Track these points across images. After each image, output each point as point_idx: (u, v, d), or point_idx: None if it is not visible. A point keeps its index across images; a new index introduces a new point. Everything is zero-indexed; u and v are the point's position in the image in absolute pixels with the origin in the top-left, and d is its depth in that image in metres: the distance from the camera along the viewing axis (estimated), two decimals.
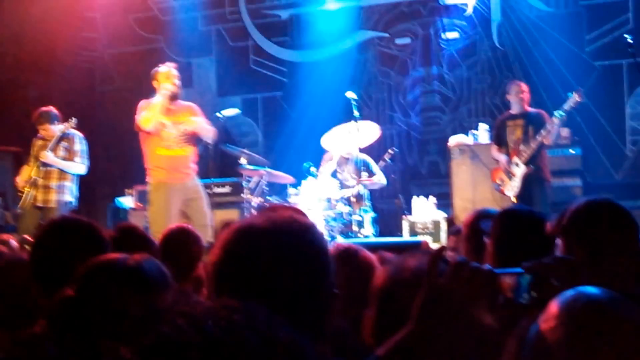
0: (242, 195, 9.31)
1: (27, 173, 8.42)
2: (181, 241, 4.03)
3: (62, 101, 11.45)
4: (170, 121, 7.69)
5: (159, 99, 7.68)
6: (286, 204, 8.54)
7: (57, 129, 8.36)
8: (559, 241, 3.52)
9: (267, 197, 9.15)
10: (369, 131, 9.09)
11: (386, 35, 11.48)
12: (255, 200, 9.01)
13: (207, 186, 9.60)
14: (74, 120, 8.37)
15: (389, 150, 9.77)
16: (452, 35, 11.14)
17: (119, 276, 2.10)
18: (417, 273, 2.01)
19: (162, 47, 12.49)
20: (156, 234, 7.04)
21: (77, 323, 2.12)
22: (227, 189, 9.88)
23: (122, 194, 10.49)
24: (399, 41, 11.43)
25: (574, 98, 7.89)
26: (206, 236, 7.11)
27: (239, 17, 12.20)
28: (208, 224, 7.55)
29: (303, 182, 8.90)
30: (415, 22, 11.34)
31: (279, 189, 9.89)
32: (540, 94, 10.19)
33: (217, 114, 8.94)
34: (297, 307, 1.57)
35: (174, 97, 7.79)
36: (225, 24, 12.30)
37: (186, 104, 8.04)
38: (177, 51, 12.40)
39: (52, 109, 8.55)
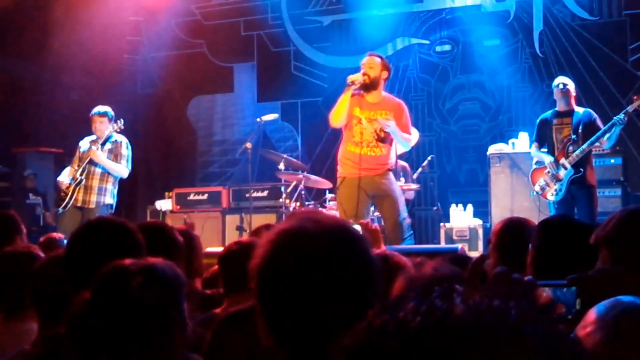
0: (280, 200, 9.35)
1: (69, 173, 8.44)
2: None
3: (104, 104, 11.63)
4: (365, 116, 7.07)
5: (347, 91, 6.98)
6: (318, 209, 8.56)
7: (110, 129, 8.41)
8: (602, 252, 3.49)
9: (305, 202, 9.16)
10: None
11: (427, 42, 11.44)
12: (293, 205, 9.04)
13: (245, 190, 9.72)
14: (122, 122, 8.40)
15: (428, 158, 9.76)
16: (493, 42, 11.07)
17: (132, 279, 2.11)
18: (432, 281, 1.90)
19: (204, 51, 12.57)
20: None
21: (92, 326, 2.14)
22: (265, 194, 9.92)
23: (162, 197, 10.57)
24: (440, 48, 11.40)
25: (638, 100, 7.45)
26: (396, 235, 6.93)
27: (281, 22, 12.25)
28: (398, 221, 7.04)
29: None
30: (456, 29, 11.29)
31: (317, 195, 9.91)
32: (582, 102, 10.01)
33: (257, 119, 8.99)
34: (339, 315, 1.53)
35: (366, 89, 7.05)
36: (266, 29, 12.34)
37: (393, 100, 7.28)
38: (218, 56, 12.51)
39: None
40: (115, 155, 8.40)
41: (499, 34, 11.07)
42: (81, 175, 8.28)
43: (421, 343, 0.93)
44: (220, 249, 4.38)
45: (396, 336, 0.94)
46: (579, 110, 7.83)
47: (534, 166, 8.18)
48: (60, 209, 8.42)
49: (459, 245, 8.42)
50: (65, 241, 5.61)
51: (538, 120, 8.17)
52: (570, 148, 7.65)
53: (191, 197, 10.39)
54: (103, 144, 8.38)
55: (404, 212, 7.14)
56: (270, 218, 9.38)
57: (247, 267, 3.14)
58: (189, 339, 2.22)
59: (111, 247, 2.70)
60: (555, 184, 7.76)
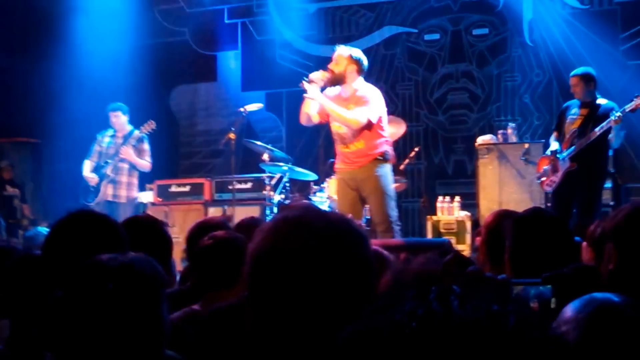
0: (263, 192, 9.22)
1: (90, 167, 9.01)
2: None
3: (84, 93, 11.44)
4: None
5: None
6: (306, 201, 8.43)
7: (129, 126, 9.05)
8: (585, 247, 3.36)
9: (290, 194, 9.04)
10: (394, 128, 8.88)
11: (415, 30, 11.30)
12: (277, 197, 8.92)
13: (228, 182, 9.56)
14: (154, 124, 9.05)
15: (414, 149, 9.65)
16: (482, 31, 10.94)
17: (108, 277, 2.02)
18: (420, 276, 2.02)
19: (187, 39, 12.43)
20: None
21: (66, 325, 2.04)
22: (248, 185, 9.75)
23: (143, 189, 10.40)
24: (428, 37, 11.26)
25: (638, 101, 7.16)
26: (384, 231, 6.78)
27: (266, 10, 12.08)
28: (381, 220, 6.87)
29: (326, 179, 8.79)
30: (445, 17, 11.15)
31: (302, 186, 9.80)
32: (571, 93, 9.97)
33: (240, 109, 8.86)
34: (334, 310, 1.52)
35: (332, 83, 6.87)
36: (251, 17, 12.18)
37: (362, 91, 6.90)
38: (202, 44, 12.35)
39: None
40: (139, 151, 9.01)
41: (488, 23, 10.95)
42: (112, 172, 8.89)
43: (418, 348, 0.93)
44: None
45: (393, 340, 0.95)
46: (602, 102, 7.54)
47: (544, 153, 7.96)
48: (93, 203, 8.85)
49: (447, 238, 8.34)
50: None
51: (561, 108, 7.96)
52: (576, 140, 7.45)
53: (173, 188, 10.23)
54: (125, 139, 8.96)
55: (392, 209, 6.93)
56: (253, 210, 9.21)
57: (223, 263, 2.89)
58: (168, 337, 2.12)
59: (92, 242, 2.60)
60: (552, 175, 7.60)
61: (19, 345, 2.56)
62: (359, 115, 6.73)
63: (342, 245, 1.58)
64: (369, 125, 6.78)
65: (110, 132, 9.12)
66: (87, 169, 9.02)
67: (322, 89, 6.90)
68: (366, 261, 1.61)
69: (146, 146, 9.08)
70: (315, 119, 6.97)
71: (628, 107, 7.27)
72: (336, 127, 6.95)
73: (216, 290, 3.17)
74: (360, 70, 6.93)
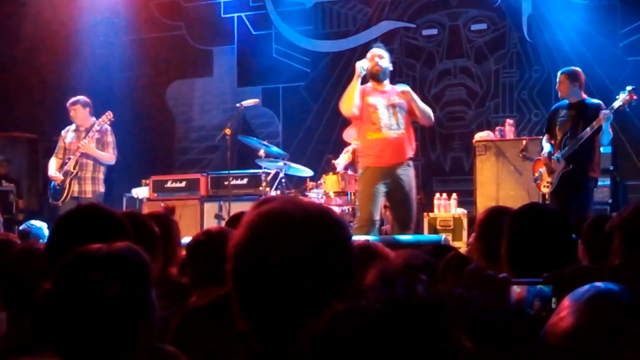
0: (259, 188, 9.17)
1: (57, 164, 8.72)
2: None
3: (80, 87, 11.36)
4: (380, 103, 7.18)
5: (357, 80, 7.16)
6: (299, 196, 8.39)
7: (92, 119, 8.71)
8: (580, 244, 3.31)
9: (285, 190, 9.01)
10: None
11: (412, 25, 11.22)
12: (273, 193, 8.87)
13: (224, 178, 9.51)
14: (111, 115, 8.71)
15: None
16: (480, 26, 10.86)
17: (94, 266, 2.01)
18: (404, 271, 2.04)
19: (183, 34, 12.35)
20: (359, 221, 7.10)
21: (54, 317, 2.03)
22: (244, 181, 9.72)
23: (139, 185, 10.35)
24: (426, 32, 11.18)
25: (626, 96, 7.29)
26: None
27: (262, 4, 12.00)
28: (407, 219, 7.12)
29: (323, 175, 8.76)
30: (443, 12, 11.07)
31: (298, 182, 9.76)
32: None
33: (237, 105, 8.83)
34: (315, 300, 1.50)
35: (375, 78, 7.26)
36: (247, 11, 12.10)
37: (400, 87, 7.43)
38: (198, 39, 12.29)
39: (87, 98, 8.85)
40: (102, 144, 8.68)
41: (487, 18, 10.87)
42: (74, 168, 8.58)
43: (381, 328, 0.97)
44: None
45: (357, 322, 0.99)
46: (590, 101, 7.55)
47: (538, 156, 7.97)
48: (60, 202, 8.65)
49: (443, 236, 8.28)
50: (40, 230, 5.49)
51: (550, 110, 7.99)
52: (568, 141, 7.44)
53: (169, 184, 10.20)
54: (87, 133, 8.63)
55: (414, 213, 7.25)
56: (249, 206, 9.13)
57: (216, 259, 2.84)
58: (157, 329, 2.11)
59: (96, 236, 2.46)
60: (548, 176, 7.61)
61: (17, 339, 2.55)
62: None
63: (321, 235, 1.58)
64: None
65: (72, 127, 8.81)
66: (52, 167, 8.75)
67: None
68: (345, 249, 1.61)
69: (110, 138, 8.74)
70: (356, 110, 7.15)
71: (616, 104, 7.34)
72: (378, 116, 7.14)
73: (208, 287, 3.13)
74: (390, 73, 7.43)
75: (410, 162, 7.33)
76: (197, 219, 9.85)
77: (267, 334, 1.57)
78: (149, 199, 10.12)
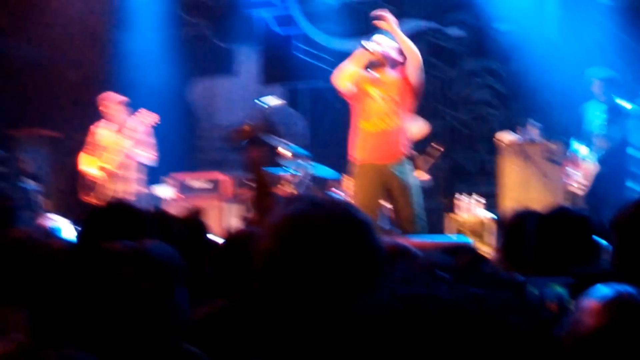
0: (282, 187, 9.15)
1: (92, 162, 8.75)
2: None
3: (105, 85, 11.38)
4: (377, 94, 6.98)
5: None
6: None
7: (129, 118, 8.76)
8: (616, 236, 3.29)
9: (309, 191, 8.99)
10: (416, 126, 8.80)
11: (437, 25, 11.15)
12: (296, 193, 8.85)
13: (246, 178, 9.50)
14: (157, 117, 8.74)
15: (435, 146, 9.54)
16: (506, 26, 10.78)
17: (126, 261, 2.04)
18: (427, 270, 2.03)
19: (206, 32, 12.35)
20: None
21: (84, 310, 2.07)
22: None
23: (158, 182, 10.32)
24: (450, 32, 11.11)
25: None
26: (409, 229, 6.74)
27: (286, 3, 12.00)
28: (411, 219, 6.89)
29: (347, 176, 8.73)
30: (468, 12, 11.00)
31: (322, 183, 9.73)
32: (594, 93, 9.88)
33: (261, 102, 8.82)
34: (342, 301, 1.51)
35: (379, 65, 7.02)
36: (272, 10, 12.09)
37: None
38: (220, 37, 12.27)
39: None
40: (144, 145, 8.76)
41: (513, 18, 10.75)
42: (116, 167, 8.65)
43: (401, 327, 0.98)
44: (220, 238, 4.27)
45: (376, 320, 1.00)
46: (622, 103, 7.57)
47: (570, 156, 7.96)
48: (95, 199, 8.62)
49: (468, 239, 8.25)
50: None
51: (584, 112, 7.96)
52: (601, 143, 7.47)
53: (190, 183, 10.19)
54: (127, 132, 8.71)
55: (419, 208, 6.99)
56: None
57: (246, 261, 2.76)
58: (184, 329, 2.13)
59: (123, 234, 2.55)
60: (583, 179, 7.61)
61: (39, 336, 2.52)
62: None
63: (346, 235, 1.59)
64: (414, 87, 6.97)
65: (108, 124, 8.87)
66: (88, 163, 8.79)
67: (367, 67, 7.06)
68: (371, 247, 1.62)
69: (151, 139, 8.84)
70: (350, 86, 7.02)
71: None
72: (372, 104, 6.98)
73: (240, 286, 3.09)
74: (402, 63, 7.08)
75: (407, 159, 7.07)
76: (221, 220, 9.85)
77: (291, 334, 1.58)
78: (170, 198, 10.11)
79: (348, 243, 1.59)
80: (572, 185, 7.68)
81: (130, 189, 8.70)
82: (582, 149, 7.63)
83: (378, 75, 7.05)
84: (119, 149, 8.63)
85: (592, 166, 7.39)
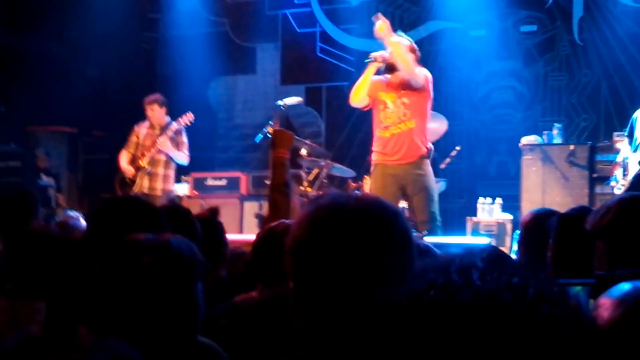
0: (300, 187, 9.07)
1: (128, 158, 8.89)
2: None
3: (121, 82, 11.37)
4: (390, 99, 6.91)
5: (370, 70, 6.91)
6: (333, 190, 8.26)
7: (167, 118, 8.92)
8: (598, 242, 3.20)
9: (327, 190, 8.89)
10: (435, 125, 8.69)
11: (460, 26, 11.03)
12: (314, 193, 8.77)
13: (265, 177, 9.42)
14: (192, 116, 8.86)
15: (456, 148, 9.44)
16: (530, 28, 10.67)
17: (146, 252, 2.04)
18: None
19: (227, 30, 12.30)
20: None
21: (101, 303, 2.08)
22: None
23: (178, 181, 10.31)
24: (474, 33, 10.98)
25: None
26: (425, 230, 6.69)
27: (308, 2, 11.92)
28: (427, 220, 6.81)
29: (365, 175, 8.65)
30: (492, 13, 10.87)
31: (340, 182, 9.66)
32: (620, 94, 9.81)
33: (279, 102, 8.73)
34: (375, 290, 1.44)
35: (389, 69, 6.93)
36: (292, 9, 12.02)
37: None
38: (241, 35, 12.22)
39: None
40: (177, 143, 8.83)
41: (537, 20, 10.67)
42: (148, 164, 8.76)
43: (434, 316, 0.94)
44: (238, 236, 4.25)
45: (410, 308, 0.97)
46: None
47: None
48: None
49: (489, 240, 8.15)
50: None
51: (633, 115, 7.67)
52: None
53: (209, 182, 10.22)
54: (162, 131, 8.82)
55: (436, 209, 6.93)
56: None
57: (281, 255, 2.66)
58: (200, 323, 2.13)
59: (133, 227, 2.52)
60: (623, 179, 7.37)
61: (55, 328, 2.53)
62: (417, 69, 6.85)
63: (378, 222, 1.59)
64: (420, 89, 6.85)
65: (147, 123, 8.98)
66: (124, 160, 8.90)
67: (378, 72, 7.02)
68: (403, 235, 1.62)
69: (184, 138, 8.91)
70: (365, 99, 7.01)
71: None
72: (386, 114, 6.95)
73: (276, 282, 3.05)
74: (417, 59, 7.03)
75: (424, 160, 6.99)
76: (237, 218, 9.81)
77: (323, 327, 1.57)
78: (188, 197, 10.10)
79: (380, 230, 1.58)
80: (615, 185, 7.45)
81: (157, 185, 8.79)
82: (625, 149, 7.41)
83: (389, 77, 7.01)
84: (157, 148, 8.74)
85: (636, 167, 7.18)
